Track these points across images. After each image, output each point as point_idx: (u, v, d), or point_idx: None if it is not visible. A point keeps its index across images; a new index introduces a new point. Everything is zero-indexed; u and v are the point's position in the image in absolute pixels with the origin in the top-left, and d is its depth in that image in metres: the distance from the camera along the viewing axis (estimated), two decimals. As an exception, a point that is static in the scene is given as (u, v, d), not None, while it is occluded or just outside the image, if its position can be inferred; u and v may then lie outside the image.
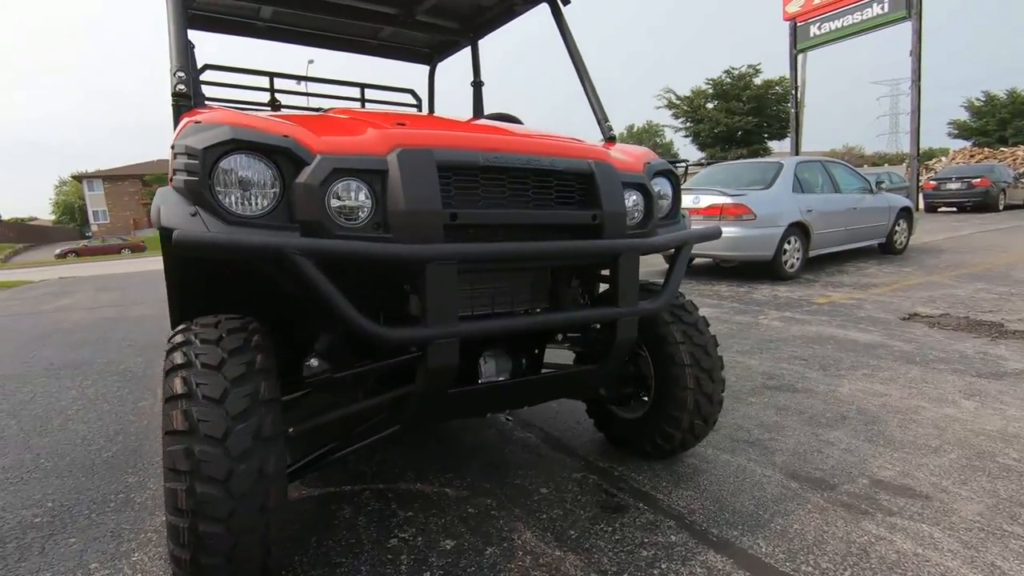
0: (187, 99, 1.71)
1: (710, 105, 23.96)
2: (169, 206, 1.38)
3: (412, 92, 4.32)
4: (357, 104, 4.08)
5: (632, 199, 1.93)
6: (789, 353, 3.76)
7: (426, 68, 4.24)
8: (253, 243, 1.29)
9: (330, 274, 1.42)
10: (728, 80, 24.08)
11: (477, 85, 3.73)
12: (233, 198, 1.39)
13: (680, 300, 2.19)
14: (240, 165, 1.38)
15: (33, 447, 2.59)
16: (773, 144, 24.81)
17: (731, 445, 2.39)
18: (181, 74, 1.71)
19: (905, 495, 1.95)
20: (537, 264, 1.72)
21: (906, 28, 14.58)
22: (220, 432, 1.28)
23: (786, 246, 6.76)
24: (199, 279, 1.77)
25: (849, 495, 1.95)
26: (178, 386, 1.31)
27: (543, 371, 1.97)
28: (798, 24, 17.04)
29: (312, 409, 1.80)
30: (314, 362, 1.71)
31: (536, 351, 2.02)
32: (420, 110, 4.27)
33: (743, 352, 3.83)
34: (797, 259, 6.92)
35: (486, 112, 3.66)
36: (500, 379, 1.77)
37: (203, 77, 3.50)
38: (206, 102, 3.50)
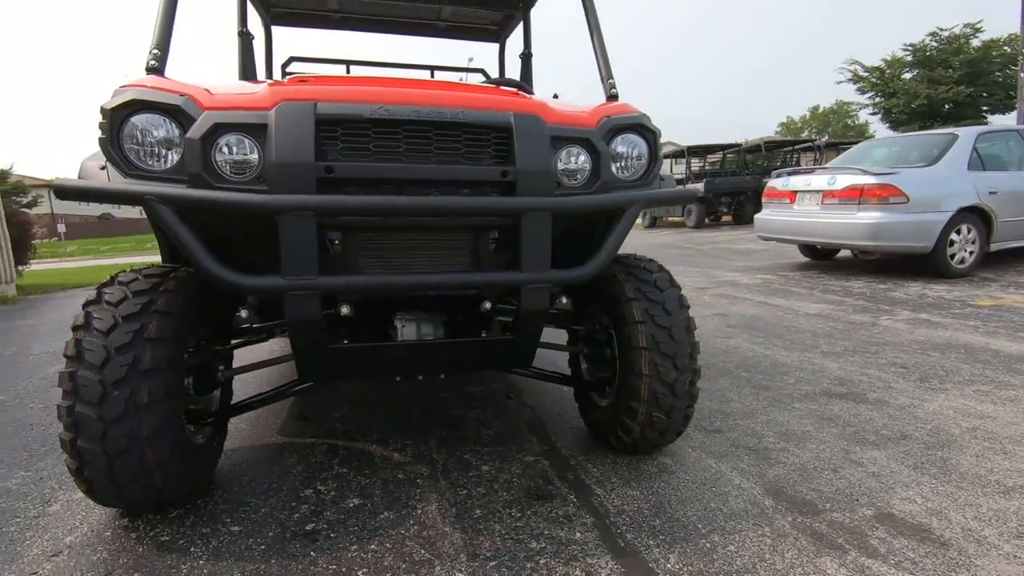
0: (159, 75, 1.91)
1: (907, 75, 20.11)
2: (91, 161, 1.57)
3: (482, 71, 4.33)
4: None
5: (580, 157, 1.73)
6: (890, 359, 3.07)
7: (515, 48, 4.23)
8: (116, 190, 1.42)
9: (221, 224, 1.50)
10: (934, 44, 19.97)
11: (526, 57, 3.62)
12: (142, 154, 1.52)
13: (651, 276, 1.91)
14: (145, 123, 1.51)
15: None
16: (996, 118, 20.14)
17: (726, 450, 2.03)
18: (157, 51, 1.90)
19: (912, 536, 1.48)
20: (424, 220, 1.59)
21: None
22: (99, 360, 1.43)
23: (954, 236, 5.50)
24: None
25: (831, 525, 1.54)
26: (81, 318, 1.49)
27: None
28: (1033, -36, 13.57)
29: None
30: (243, 313, 1.82)
31: (480, 317, 1.91)
32: (490, 89, 4.28)
33: (827, 353, 3.22)
34: (971, 252, 5.58)
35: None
36: (402, 341, 1.72)
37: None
38: None
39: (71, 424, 1.42)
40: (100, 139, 1.51)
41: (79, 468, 1.46)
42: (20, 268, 7.89)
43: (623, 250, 1.96)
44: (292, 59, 3.93)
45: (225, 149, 1.49)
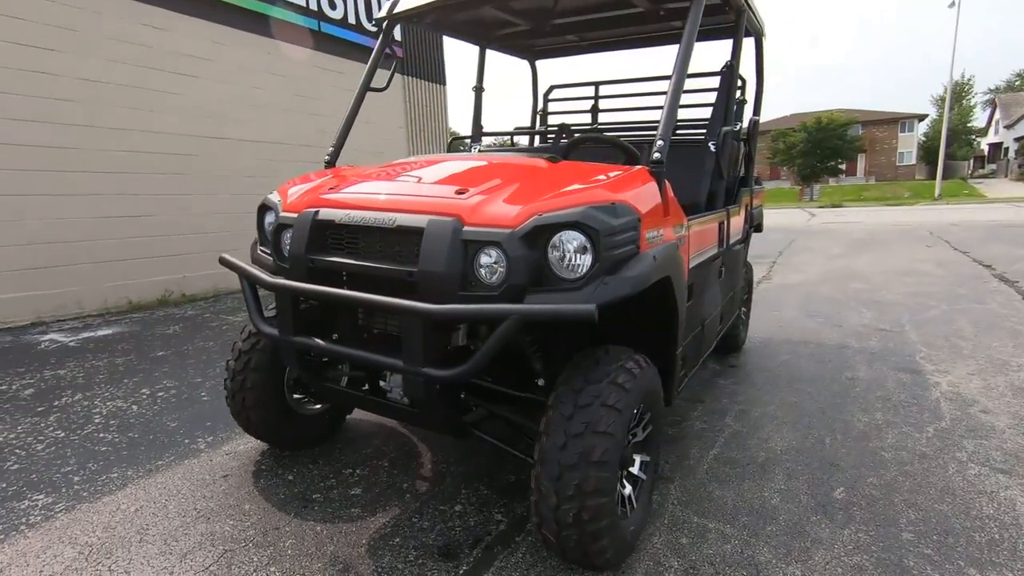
0: (332, 167, 2.76)
1: None
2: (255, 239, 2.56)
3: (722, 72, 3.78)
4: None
5: (498, 259, 1.73)
6: None
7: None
8: (232, 263, 2.34)
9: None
10: None
11: (729, 68, 3.06)
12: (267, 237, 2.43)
13: (584, 386, 1.71)
14: (268, 217, 2.40)
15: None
16: None
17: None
18: (332, 150, 2.80)
19: None
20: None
21: None
22: (236, 356, 2.45)
23: None
24: None
25: None
26: (241, 328, 2.56)
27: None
28: None
29: None
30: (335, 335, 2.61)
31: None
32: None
33: None
34: None
35: None
36: (354, 392, 2.19)
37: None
38: (548, 116, 4.45)
39: (225, 388, 2.53)
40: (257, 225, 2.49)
41: (232, 412, 2.58)
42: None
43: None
44: (552, 87, 4.46)
45: (286, 239, 2.24)
